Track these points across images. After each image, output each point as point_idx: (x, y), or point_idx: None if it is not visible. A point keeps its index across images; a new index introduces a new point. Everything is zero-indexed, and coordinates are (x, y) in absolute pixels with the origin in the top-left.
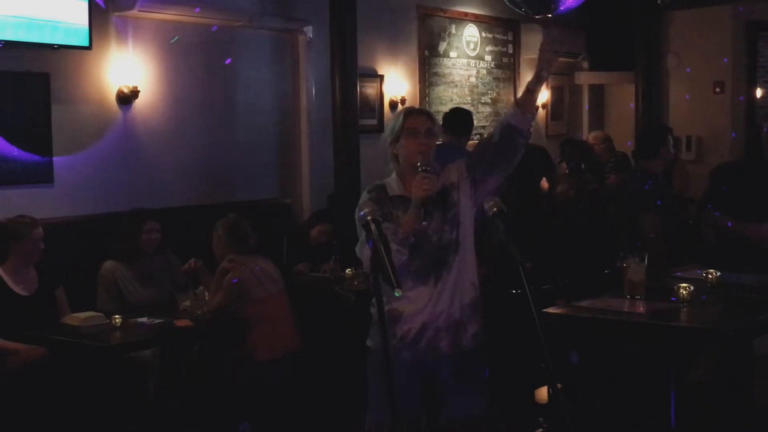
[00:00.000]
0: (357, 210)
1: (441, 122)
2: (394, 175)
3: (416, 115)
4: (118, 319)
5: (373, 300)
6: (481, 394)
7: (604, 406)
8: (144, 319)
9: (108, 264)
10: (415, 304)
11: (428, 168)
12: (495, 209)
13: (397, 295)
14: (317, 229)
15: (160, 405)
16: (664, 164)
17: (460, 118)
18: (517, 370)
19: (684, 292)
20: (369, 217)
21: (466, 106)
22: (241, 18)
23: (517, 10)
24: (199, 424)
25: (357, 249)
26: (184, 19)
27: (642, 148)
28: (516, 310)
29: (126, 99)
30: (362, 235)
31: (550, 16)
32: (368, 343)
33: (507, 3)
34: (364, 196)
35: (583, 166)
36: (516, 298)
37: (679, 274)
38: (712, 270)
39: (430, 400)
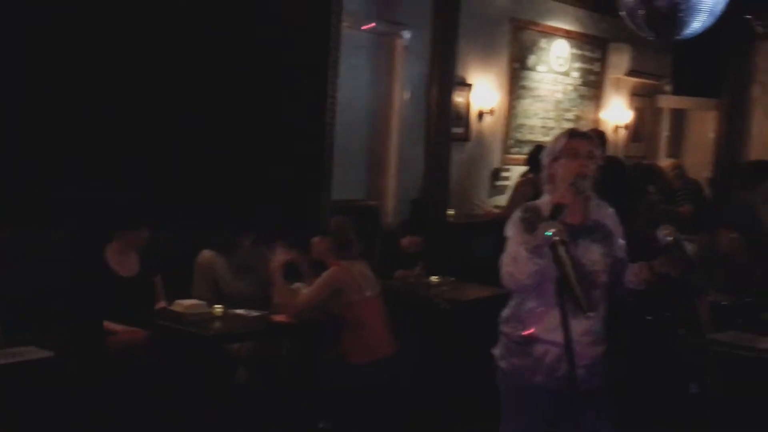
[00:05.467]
0: (514, 224)
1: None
2: (547, 198)
3: (578, 138)
4: (218, 309)
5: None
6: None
7: None
8: (242, 311)
9: (205, 253)
10: (543, 324)
11: (577, 185)
12: (670, 237)
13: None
14: (408, 239)
15: (247, 397)
16: (765, 199)
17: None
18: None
19: None
20: (557, 238)
21: (549, 122)
22: (346, 19)
23: (640, 33)
24: (282, 418)
25: (505, 263)
26: None
27: (744, 180)
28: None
29: None
30: (516, 248)
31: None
32: (502, 364)
33: (629, 24)
34: (517, 215)
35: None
36: (649, 325)
37: None
38: None
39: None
